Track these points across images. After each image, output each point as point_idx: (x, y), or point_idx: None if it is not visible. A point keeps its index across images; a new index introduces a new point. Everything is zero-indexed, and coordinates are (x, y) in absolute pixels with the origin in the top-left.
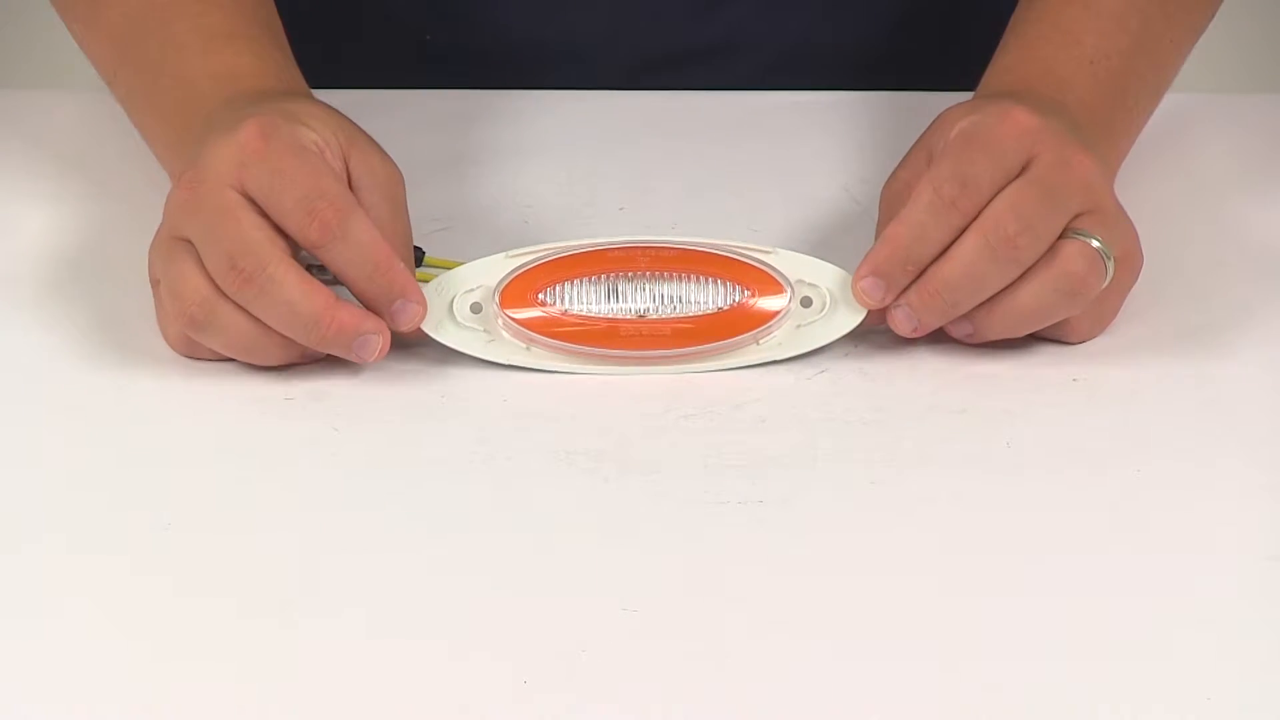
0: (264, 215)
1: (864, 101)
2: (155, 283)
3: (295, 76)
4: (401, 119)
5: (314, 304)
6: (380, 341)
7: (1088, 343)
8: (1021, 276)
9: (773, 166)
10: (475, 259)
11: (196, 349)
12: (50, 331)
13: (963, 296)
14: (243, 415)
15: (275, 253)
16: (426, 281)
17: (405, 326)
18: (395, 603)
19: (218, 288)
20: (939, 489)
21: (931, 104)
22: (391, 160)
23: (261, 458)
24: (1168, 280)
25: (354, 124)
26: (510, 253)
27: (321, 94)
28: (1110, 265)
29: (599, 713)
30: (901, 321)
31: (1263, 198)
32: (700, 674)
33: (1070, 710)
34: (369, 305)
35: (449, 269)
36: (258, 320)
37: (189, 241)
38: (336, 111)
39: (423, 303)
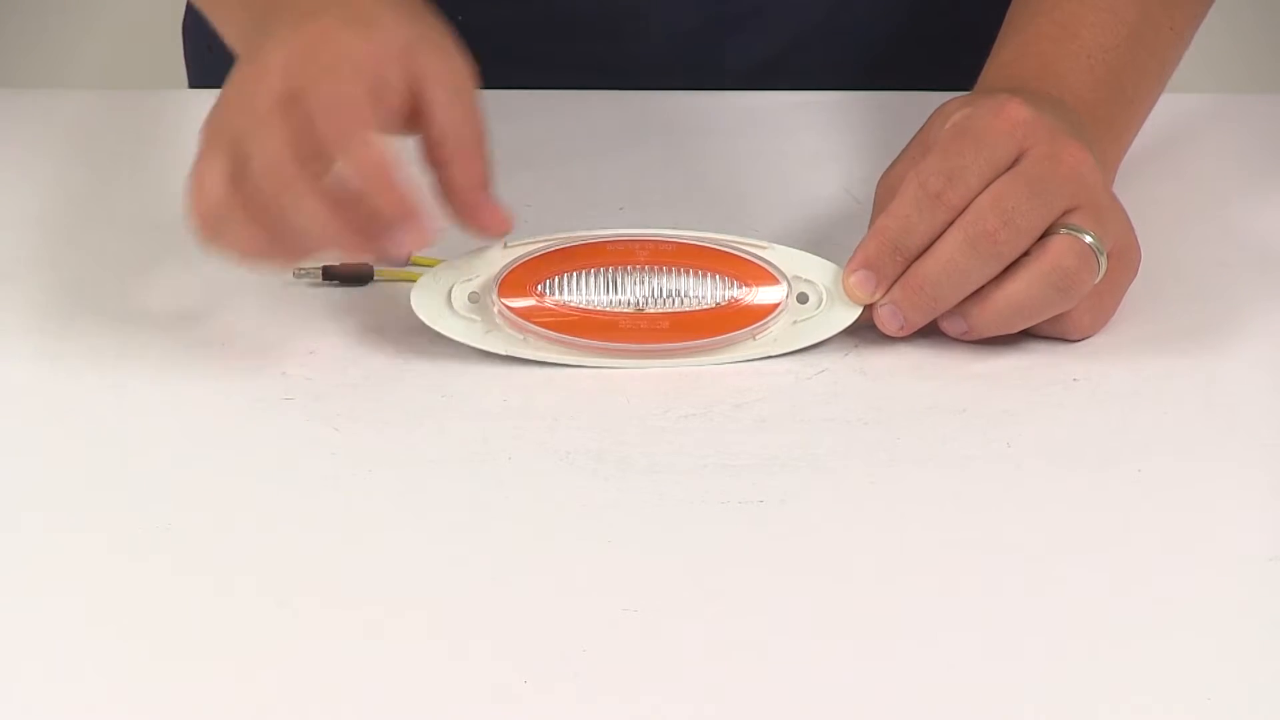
0: (303, 126)
1: (864, 101)
2: (225, 143)
3: None
4: None
5: (330, 229)
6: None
7: (1088, 342)
8: (1013, 271)
9: (773, 166)
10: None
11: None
12: (49, 331)
13: (945, 291)
14: (243, 415)
15: (300, 173)
16: (412, 281)
17: (397, 251)
18: (395, 602)
19: (236, 194)
20: (939, 489)
21: (932, 104)
22: (461, 58)
23: (261, 458)
24: (1168, 280)
25: (428, 24)
26: (508, 243)
27: None
28: (1102, 260)
29: (599, 713)
30: (887, 319)
31: (1263, 198)
32: (700, 674)
33: (1070, 710)
34: (366, 226)
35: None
36: (269, 232)
37: (226, 139)
38: (412, 12)
39: (419, 232)
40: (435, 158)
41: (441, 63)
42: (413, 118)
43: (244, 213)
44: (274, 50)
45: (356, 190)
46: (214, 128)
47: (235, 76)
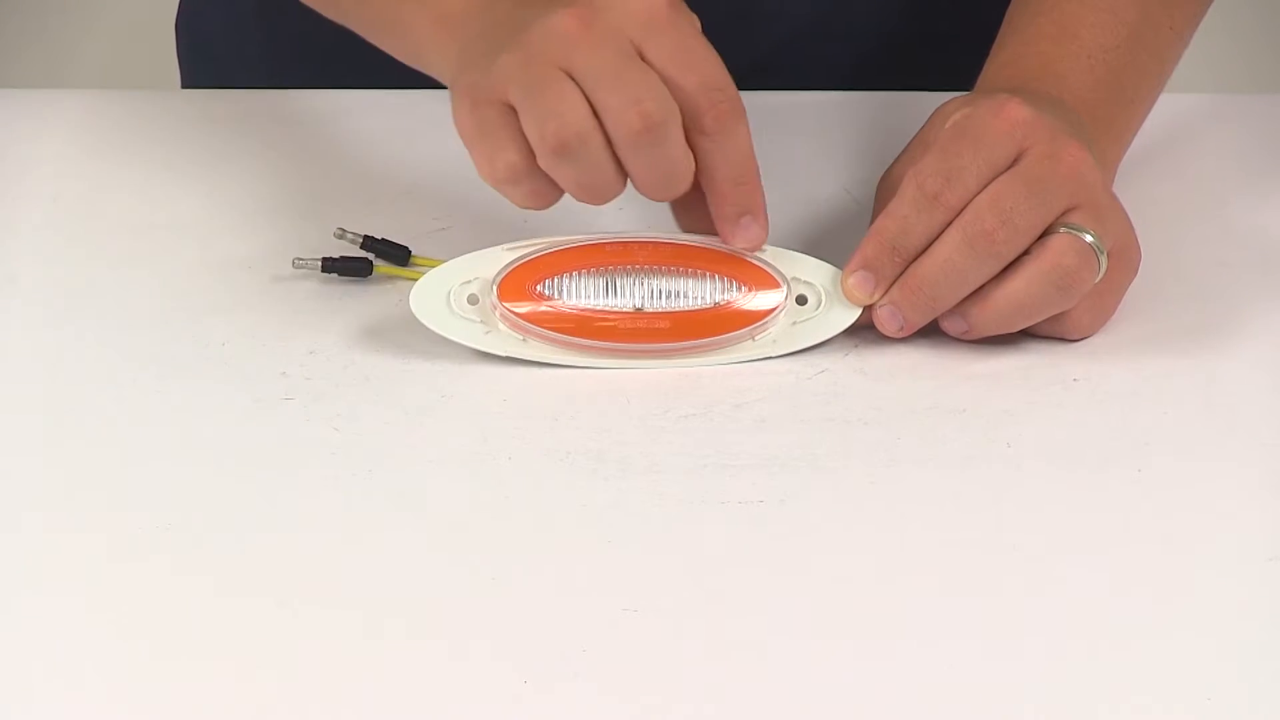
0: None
1: (864, 101)
2: (497, 103)
3: None
4: (401, 119)
5: (689, 172)
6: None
7: (1088, 342)
8: (1013, 270)
9: (772, 166)
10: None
11: (521, 180)
12: (50, 331)
13: (943, 291)
14: (243, 415)
15: (677, 113)
16: (413, 279)
17: (742, 243)
18: (395, 602)
19: (597, 124)
20: (939, 489)
21: (931, 104)
22: None
23: (261, 458)
24: (1168, 280)
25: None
26: (508, 245)
27: (322, 93)
28: (1103, 260)
29: (599, 713)
30: (886, 320)
31: (1263, 198)
32: (700, 674)
33: (1070, 710)
34: (723, 207)
35: (433, 267)
36: (619, 165)
37: (566, 74)
38: None
39: (766, 229)
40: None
41: None
42: None
43: (603, 142)
44: (616, 2)
45: (728, 172)
46: (547, 66)
47: (563, 16)
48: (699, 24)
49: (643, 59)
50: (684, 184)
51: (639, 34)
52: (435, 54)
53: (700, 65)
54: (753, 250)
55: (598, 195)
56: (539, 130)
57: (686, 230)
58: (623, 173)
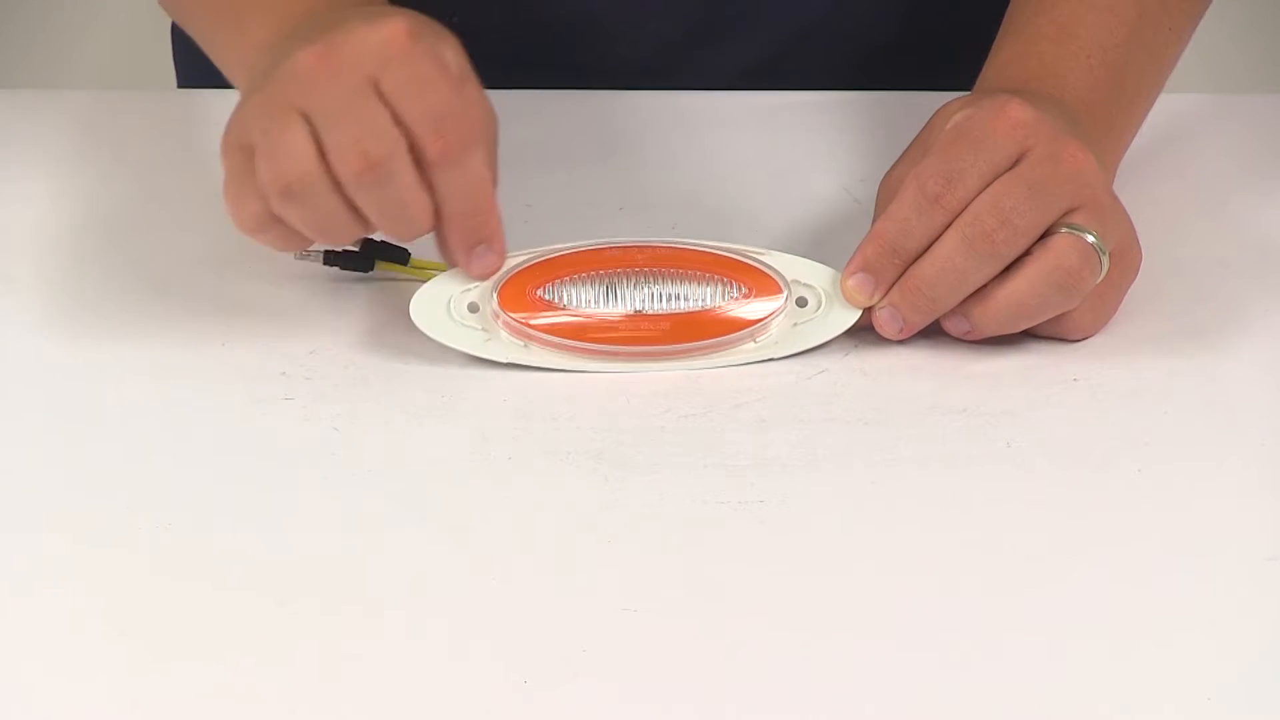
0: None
1: (864, 101)
2: (242, 148)
3: None
4: None
5: (421, 208)
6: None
7: (1088, 342)
8: (1015, 271)
9: (773, 166)
10: None
11: (266, 228)
12: (50, 331)
13: (943, 292)
14: (243, 415)
15: (403, 148)
16: (414, 278)
17: (478, 273)
18: (395, 602)
19: (324, 167)
20: (939, 489)
21: (932, 104)
22: (491, 109)
23: (261, 458)
24: (1168, 280)
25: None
26: (508, 252)
27: None
28: (1105, 260)
29: (599, 713)
30: (886, 323)
31: (1263, 198)
32: (700, 674)
33: (1070, 710)
34: (454, 238)
35: (437, 270)
36: (349, 205)
37: (303, 115)
38: (456, 42)
39: (503, 255)
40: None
41: (484, 100)
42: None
43: (330, 183)
44: (358, 37)
45: (457, 204)
46: (282, 107)
47: (305, 55)
48: (449, 44)
49: (380, 93)
50: (420, 223)
51: (375, 67)
52: (240, 90)
53: (429, 94)
54: (487, 278)
55: (331, 236)
56: (266, 174)
57: (447, 261)
58: (356, 212)
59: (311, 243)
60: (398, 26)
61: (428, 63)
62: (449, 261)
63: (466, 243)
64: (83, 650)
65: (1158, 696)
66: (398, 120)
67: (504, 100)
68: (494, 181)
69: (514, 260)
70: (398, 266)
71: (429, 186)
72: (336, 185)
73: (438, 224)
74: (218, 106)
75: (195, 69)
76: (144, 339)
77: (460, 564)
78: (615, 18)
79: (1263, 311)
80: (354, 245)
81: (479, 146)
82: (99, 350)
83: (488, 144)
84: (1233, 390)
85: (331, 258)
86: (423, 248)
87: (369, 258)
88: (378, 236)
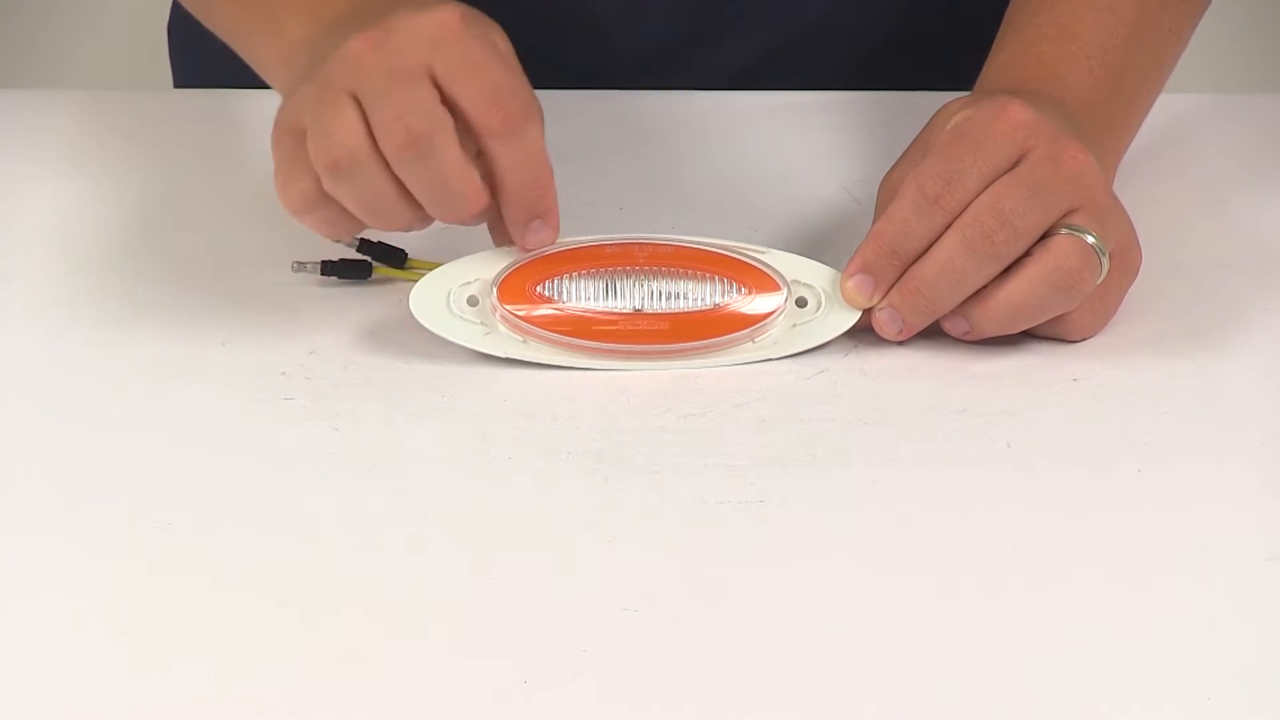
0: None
1: (864, 101)
2: (293, 130)
3: None
4: None
5: (465, 182)
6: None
7: (1088, 342)
8: (1015, 271)
9: (773, 166)
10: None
11: (315, 208)
12: (50, 331)
13: (942, 294)
14: (243, 415)
15: (448, 125)
16: (412, 281)
17: (533, 245)
18: (395, 602)
19: (373, 143)
20: (939, 489)
21: (932, 104)
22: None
23: (261, 458)
24: (1168, 280)
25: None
26: (508, 246)
27: None
28: (1105, 261)
29: (599, 713)
30: (886, 324)
31: (1263, 198)
32: (700, 674)
33: (1071, 710)
34: (513, 211)
35: (431, 269)
36: (398, 183)
37: (353, 96)
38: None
39: (556, 230)
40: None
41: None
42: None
43: (379, 160)
44: (409, 24)
45: (518, 176)
46: (334, 90)
47: (357, 41)
48: (499, 34)
49: (432, 76)
50: (467, 201)
51: (427, 52)
52: (279, 87)
53: (486, 73)
54: (541, 248)
55: (382, 217)
56: (315, 151)
57: (497, 244)
58: (407, 192)
59: (362, 228)
60: (450, 13)
61: (481, 47)
62: (501, 239)
63: (524, 216)
64: (83, 650)
65: (1158, 696)
66: (451, 103)
67: None
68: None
69: (514, 255)
70: (397, 271)
71: (487, 161)
72: (385, 163)
73: (496, 199)
74: (215, 107)
75: (192, 69)
76: (144, 339)
77: (460, 564)
78: (615, 17)
79: (1263, 311)
80: (351, 244)
81: (538, 119)
82: (99, 350)
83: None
84: (1233, 390)
85: (330, 267)
86: (422, 248)
87: (366, 266)
88: (374, 237)
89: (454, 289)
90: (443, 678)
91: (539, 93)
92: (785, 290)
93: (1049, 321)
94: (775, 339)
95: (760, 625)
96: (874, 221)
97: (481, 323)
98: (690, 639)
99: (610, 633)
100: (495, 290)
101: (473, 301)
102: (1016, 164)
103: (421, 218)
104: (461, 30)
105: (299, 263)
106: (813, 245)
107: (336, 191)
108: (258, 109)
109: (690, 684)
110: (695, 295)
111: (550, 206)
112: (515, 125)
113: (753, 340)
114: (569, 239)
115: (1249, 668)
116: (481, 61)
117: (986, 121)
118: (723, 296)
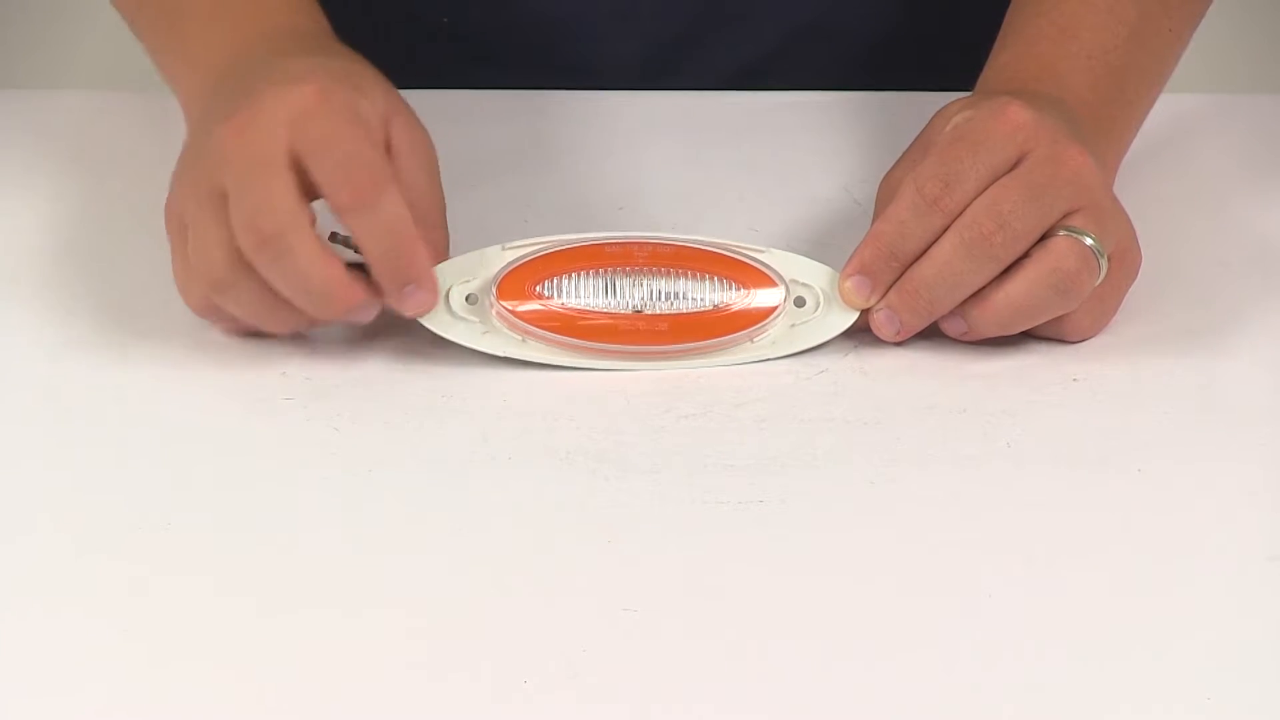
0: (302, 179)
1: (864, 101)
2: (180, 228)
3: (321, 15)
4: None
5: (326, 277)
6: (376, 310)
7: (1088, 342)
8: (1013, 273)
9: (773, 166)
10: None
11: (215, 313)
12: (50, 331)
13: (941, 295)
14: (243, 415)
15: (298, 221)
16: None
17: (411, 312)
18: (395, 602)
19: (240, 256)
20: (939, 489)
21: (932, 104)
22: (427, 132)
23: (261, 458)
24: (1168, 280)
25: (397, 92)
26: (507, 245)
27: None
28: (1103, 263)
29: (599, 713)
30: (884, 324)
31: (1263, 198)
32: (700, 674)
33: (1070, 710)
34: (382, 280)
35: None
36: (273, 291)
37: (224, 194)
38: (383, 77)
39: (434, 292)
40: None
41: (415, 133)
42: None
43: (248, 272)
44: (270, 105)
45: (375, 247)
46: (207, 190)
47: (227, 128)
48: (367, 95)
49: (293, 157)
50: (332, 297)
51: (286, 131)
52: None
53: (336, 147)
54: (418, 314)
55: (273, 322)
56: (196, 269)
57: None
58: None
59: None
60: (312, 85)
61: (337, 118)
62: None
63: (395, 284)
64: (83, 650)
65: (1158, 696)
66: (310, 184)
67: (504, 100)
68: (440, 206)
69: (514, 254)
70: None
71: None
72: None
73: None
74: None
75: None
76: (144, 339)
77: (460, 564)
78: (610, 18)
79: (1263, 311)
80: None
81: (391, 187)
82: (98, 350)
83: (425, 168)
84: (1233, 390)
85: None
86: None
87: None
88: None
89: (453, 287)
90: (443, 678)
91: (537, 93)
92: (784, 290)
93: (1049, 322)
94: (774, 339)
95: (760, 625)
96: (873, 222)
97: (480, 321)
98: (690, 639)
99: (610, 633)
100: (495, 289)
101: (472, 300)
102: (1016, 165)
103: (303, 316)
104: (319, 103)
105: (334, 236)
106: (813, 245)
107: (224, 305)
108: None
109: (690, 684)
110: (694, 295)
111: (421, 271)
112: (366, 197)
113: (751, 340)
114: (569, 238)
115: (1249, 668)
116: (334, 135)
117: (986, 123)
118: (722, 296)
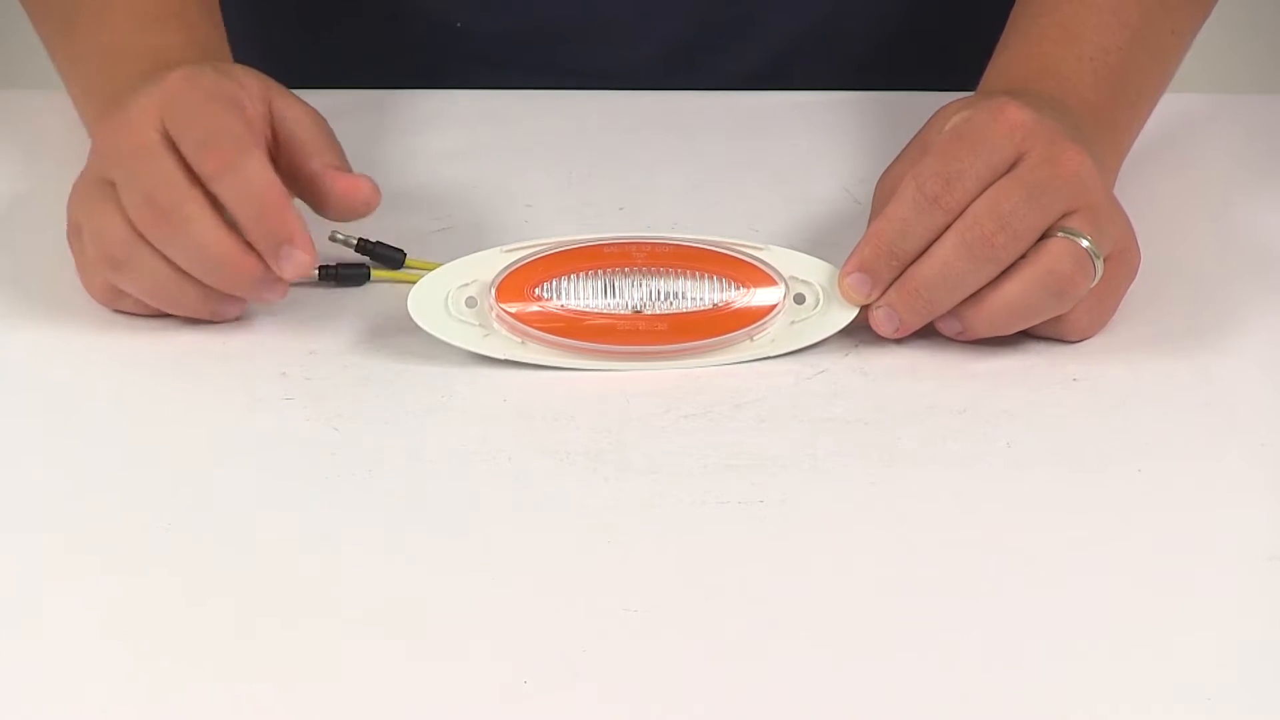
0: (181, 158)
1: (864, 101)
2: (76, 229)
3: (225, 55)
4: (401, 119)
5: (225, 246)
6: (281, 287)
7: (1087, 342)
8: (1008, 274)
9: (772, 166)
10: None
11: (119, 299)
12: (51, 332)
13: (941, 295)
14: (243, 415)
15: (191, 193)
16: (412, 283)
17: (290, 274)
18: (395, 603)
19: (137, 229)
20: (939, 489)
21: (932, 104)
22: (314, 109)
23: (261, 458)
24: (1168, 280)
25: (274, 81)
26: (506, 247)
27: (322, 93)
28: (1099, 265)
29: (599, 713)
30: (883, 322)
31: (1263, 198)
32: (700, 674)
33: (1070, 710)
34: (256, 243)
35: (430, 270)
36: (174, 265)
37: (111, 184)
38: (260, 71)
39: (311, 252)
40: (295, 158)
41: (296, 107)
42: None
43: (149, 246)
44: (141, 99)
45: (242, 210)
46: (93, 184)
47: (102, 131)
48: (229, 79)
49: (169, 142)
50: (232, 264)
51: (158, 116)
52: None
53: (199, 122)
54: (300, 277)
55: (174, 302)
56: (93, 253)
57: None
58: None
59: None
60: (176, 74)
61: (200, 94)
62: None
63: (269, 246)
64: (82, 650)
65: (1158, 696)
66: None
67: (504, 100)
68: (331, 149)
69: (513, 255)
70: (395, 273)
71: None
72: (155, 248)
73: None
74: None
75: None
76: (143, 338)
77: (460, 564)
78: (621, 22)
79: (1262, 311)
80: (349, 244)
81: (253, 150)
82: (98, 350)
83: (313, 128)
84: (1233, 390)
85: (327, 273)
86: (420, 247)
87: (363, 273)
88: (373, 237)
89: (452, 290)
90: (443, 678)
91: (537, 93)
92: (783, 287)
93: (1048, 322)
94: (773, 336)
95: (760, 625)
96: (870, 220)
97: (480, 324)
98: (690, 639)
99: (610, 633)
100: (493, 291)
101: (471, 303)
102: (1014, 165)
103: (220, 298)
104: (186, 87)
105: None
106: (813, 245)
107: (124, 286)
108: None
109: (690, 684)
110: (694, 294)
111: (294, 230)
112: (229, 161)
113: (751, 339)
114: (567, 239)
115: (1249, 668)
116: (198, 110)
117: (985, 122)
118: (721, 295)
